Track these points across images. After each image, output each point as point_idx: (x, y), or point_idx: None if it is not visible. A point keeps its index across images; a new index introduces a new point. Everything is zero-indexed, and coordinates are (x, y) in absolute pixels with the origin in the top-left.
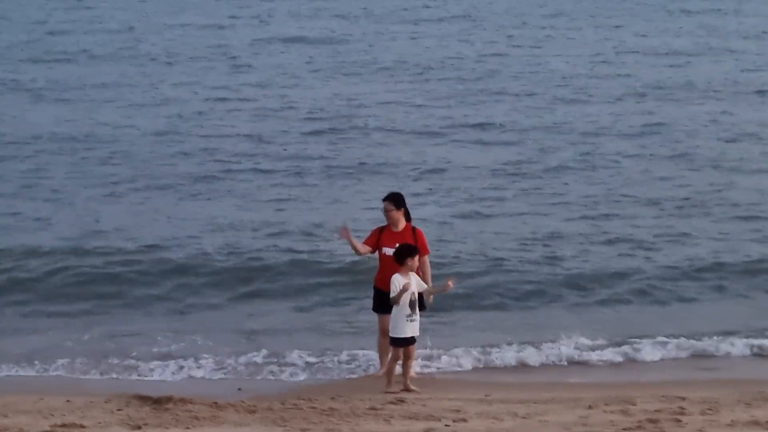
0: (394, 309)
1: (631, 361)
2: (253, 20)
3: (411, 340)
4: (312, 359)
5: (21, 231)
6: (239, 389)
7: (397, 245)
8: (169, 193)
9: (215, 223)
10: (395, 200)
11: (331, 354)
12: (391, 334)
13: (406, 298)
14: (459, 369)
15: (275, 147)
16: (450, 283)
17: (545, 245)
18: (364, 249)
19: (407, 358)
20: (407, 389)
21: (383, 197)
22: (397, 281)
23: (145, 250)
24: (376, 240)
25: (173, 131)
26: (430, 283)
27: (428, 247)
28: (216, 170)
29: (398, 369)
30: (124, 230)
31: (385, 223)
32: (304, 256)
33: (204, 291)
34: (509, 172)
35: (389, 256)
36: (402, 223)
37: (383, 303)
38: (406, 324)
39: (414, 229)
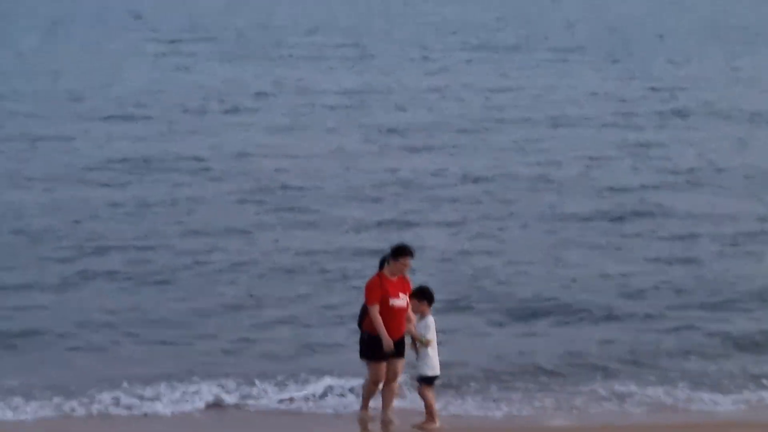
0: (429, 350)
1: None
2: None
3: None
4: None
5: None
6: None
7: (418, 287)
8: None
9: None
10: (413, 254)
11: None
12: (429, 373)
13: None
14: None
15: None
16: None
17: None
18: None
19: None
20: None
21: (400, 251)
22: (432, 323)
23: None
24: (380, 292)
25: None
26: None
27: None
28: None
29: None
30: None
31: (374, 273)
32: None
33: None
34: None
35: (395, 307)
36: None
37: (378, 349)
38: (435, 361)
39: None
